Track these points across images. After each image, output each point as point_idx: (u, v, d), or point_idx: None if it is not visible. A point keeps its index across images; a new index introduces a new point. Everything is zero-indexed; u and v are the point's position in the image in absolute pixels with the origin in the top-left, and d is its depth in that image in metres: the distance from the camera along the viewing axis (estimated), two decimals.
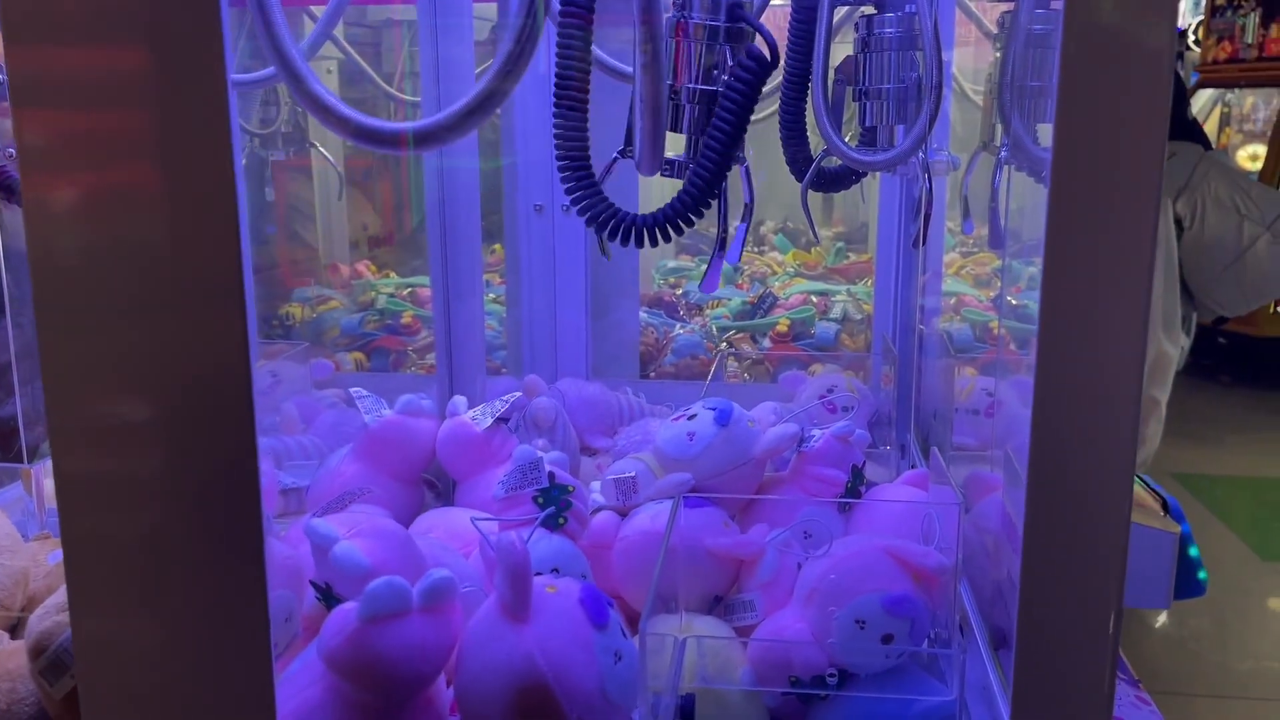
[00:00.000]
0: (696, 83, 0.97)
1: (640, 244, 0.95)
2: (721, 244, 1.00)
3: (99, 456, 0.68)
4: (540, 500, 1.11)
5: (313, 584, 0.94)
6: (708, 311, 2.46)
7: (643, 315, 2.26)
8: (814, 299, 2.42)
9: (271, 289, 2.54)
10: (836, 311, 2.36)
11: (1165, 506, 1.82)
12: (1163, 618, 3.71)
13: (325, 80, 2.95)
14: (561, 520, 1.11)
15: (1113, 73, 0.65)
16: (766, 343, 2.27)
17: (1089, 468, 0.69)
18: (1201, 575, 1.94)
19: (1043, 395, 0.69)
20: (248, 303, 0.67)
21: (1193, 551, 1.90)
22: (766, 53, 0.95)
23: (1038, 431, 0.69)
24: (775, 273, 2.80)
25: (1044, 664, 0.74)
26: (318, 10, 2.06)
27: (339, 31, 2.38)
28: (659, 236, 0.95)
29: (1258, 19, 6.52)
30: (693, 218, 0.94)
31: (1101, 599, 0.71)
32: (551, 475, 1.13)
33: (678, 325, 2.36)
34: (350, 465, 1.31)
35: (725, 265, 2.98)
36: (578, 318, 1.94)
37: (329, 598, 0.92)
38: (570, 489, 1.13)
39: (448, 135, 0.85)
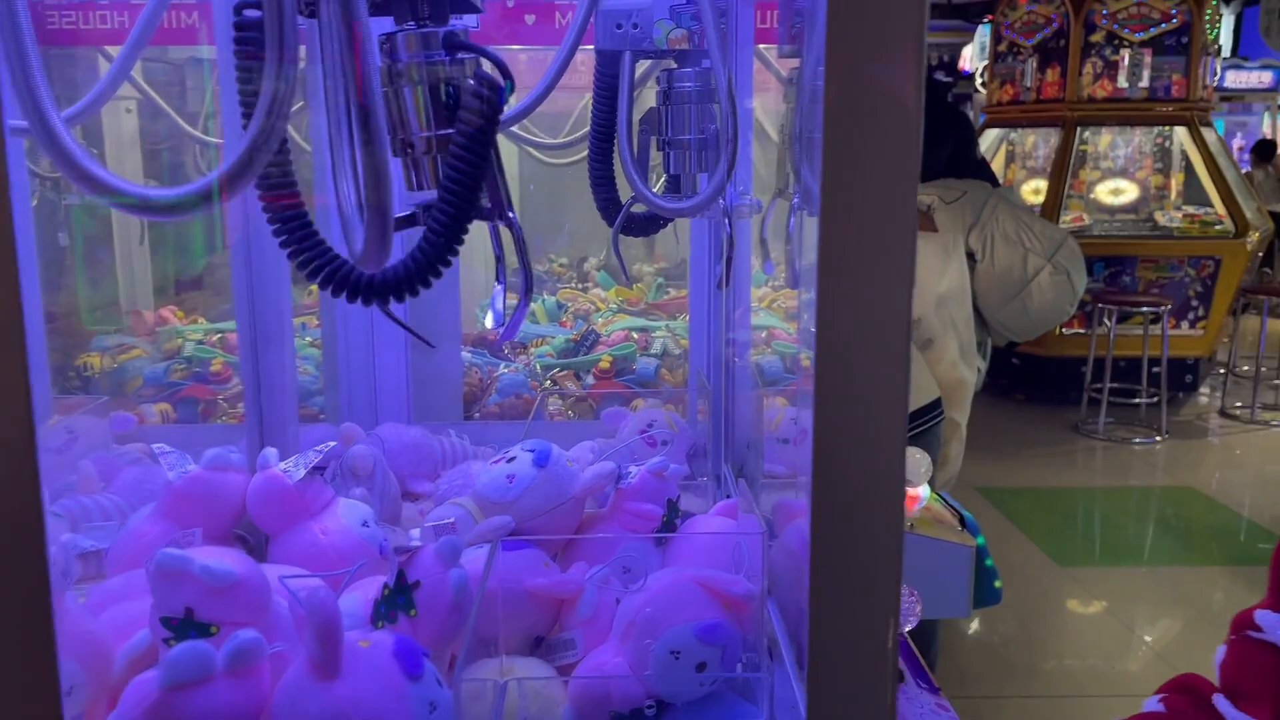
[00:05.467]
0: (433, 129, 0.88)
1: (371, 301, 0.85)
2: (527, 287, 0.97)
3: None
4: (387, 592, 1.03)
5: (163, 621, 0.88)
6: (531, 350, 2.47)
7: (465, 355, 2.25)
8: (635, 335, 2.47)
9: (68, 338, 2.40)
10: (657, 347, 2.42)
11: (962, 522, 1.94)
12: (975, 625, 3.94)
13: (123, 120, 2.82)
14: (412, 612, 1.02)
15: (868, 119, 0.72)
16: (590, 379, 2.31)
17: (862, 486, 0.75)
18: (997, 584, 2.07)
19: (820, 419, 0.74)
20: (32, 355, 0.64)
21: (988, 562, 2.03)
22: (499, 77, 0.87)
23: (818, 455, 0.74)
24: (599, 309, 2.85)
25: (831, 677, 0.79)
26: (113, 50, 1.97)
27: (137, 71, 2.29)
28: (400, 294, 0.85)
29: (1035, 65, 7.14)
30: (434, 275, 0.86)
31: (879, 610, 0.77)
32: (401, 575, 1.03)
33: (501, 364, 2.37)
34: (154, 525, 1.25)
35: (550, 300, 2.98)
36: (398, 360, 1.92)
37: (189, 626, 0.87)
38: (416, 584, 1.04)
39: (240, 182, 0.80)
